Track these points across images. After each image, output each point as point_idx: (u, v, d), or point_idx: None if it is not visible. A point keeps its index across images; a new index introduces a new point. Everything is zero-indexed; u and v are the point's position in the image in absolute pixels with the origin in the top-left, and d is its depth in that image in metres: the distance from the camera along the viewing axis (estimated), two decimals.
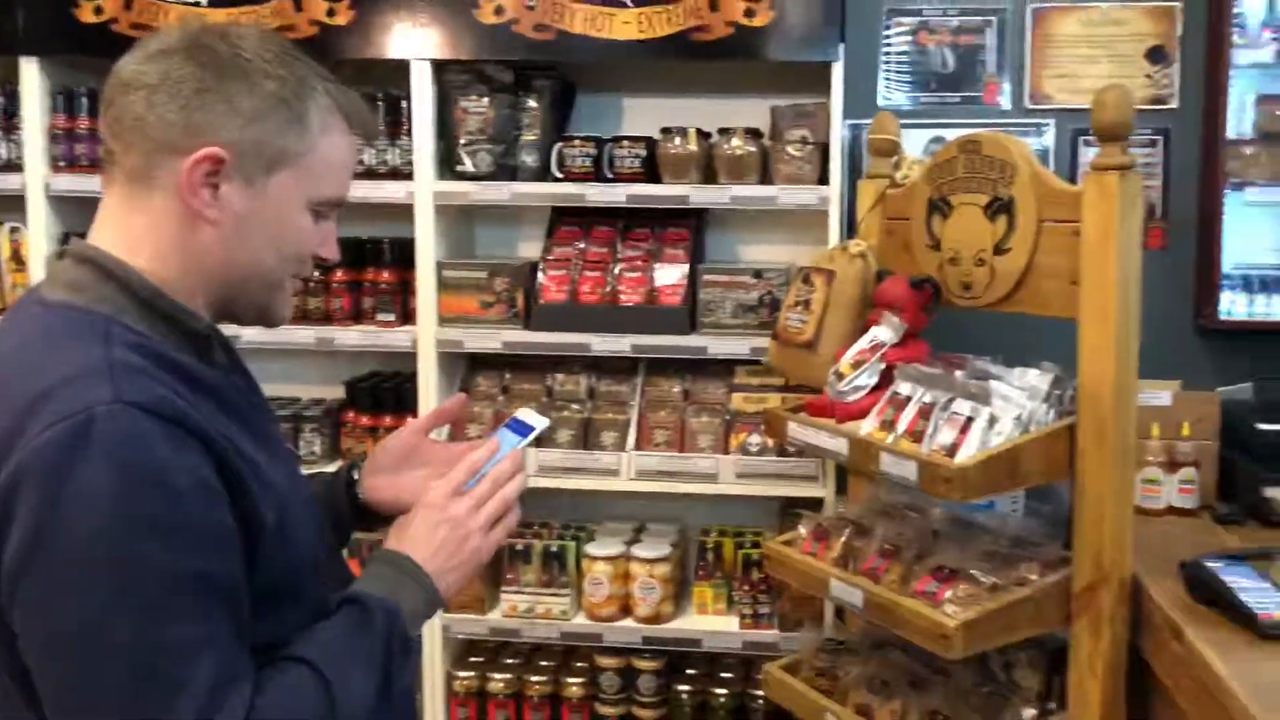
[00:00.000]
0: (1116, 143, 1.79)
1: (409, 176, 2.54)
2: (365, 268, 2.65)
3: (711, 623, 2.57)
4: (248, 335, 2.51)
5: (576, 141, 2.54)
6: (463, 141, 2.54)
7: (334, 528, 1.36)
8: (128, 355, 1.01)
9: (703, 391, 2.63)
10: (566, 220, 2.72)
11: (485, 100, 2.53)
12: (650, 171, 2.54)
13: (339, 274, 2.62)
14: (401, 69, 2.52)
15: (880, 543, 1.98)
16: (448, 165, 2.58)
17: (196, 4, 2.54)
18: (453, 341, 2.58)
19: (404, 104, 2.54)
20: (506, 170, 2.58)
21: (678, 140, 2.51)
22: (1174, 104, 2.66)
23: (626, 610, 2.58)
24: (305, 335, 2.60)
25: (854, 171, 2.63)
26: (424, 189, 2.54)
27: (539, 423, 1.34)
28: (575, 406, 2.64)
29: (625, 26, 2.45)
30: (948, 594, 1.82)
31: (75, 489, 0.93)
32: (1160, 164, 2.68)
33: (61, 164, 2.63)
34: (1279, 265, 2.60)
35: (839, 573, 1.97)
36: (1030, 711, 1.87)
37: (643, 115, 2.75)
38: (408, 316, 2.62)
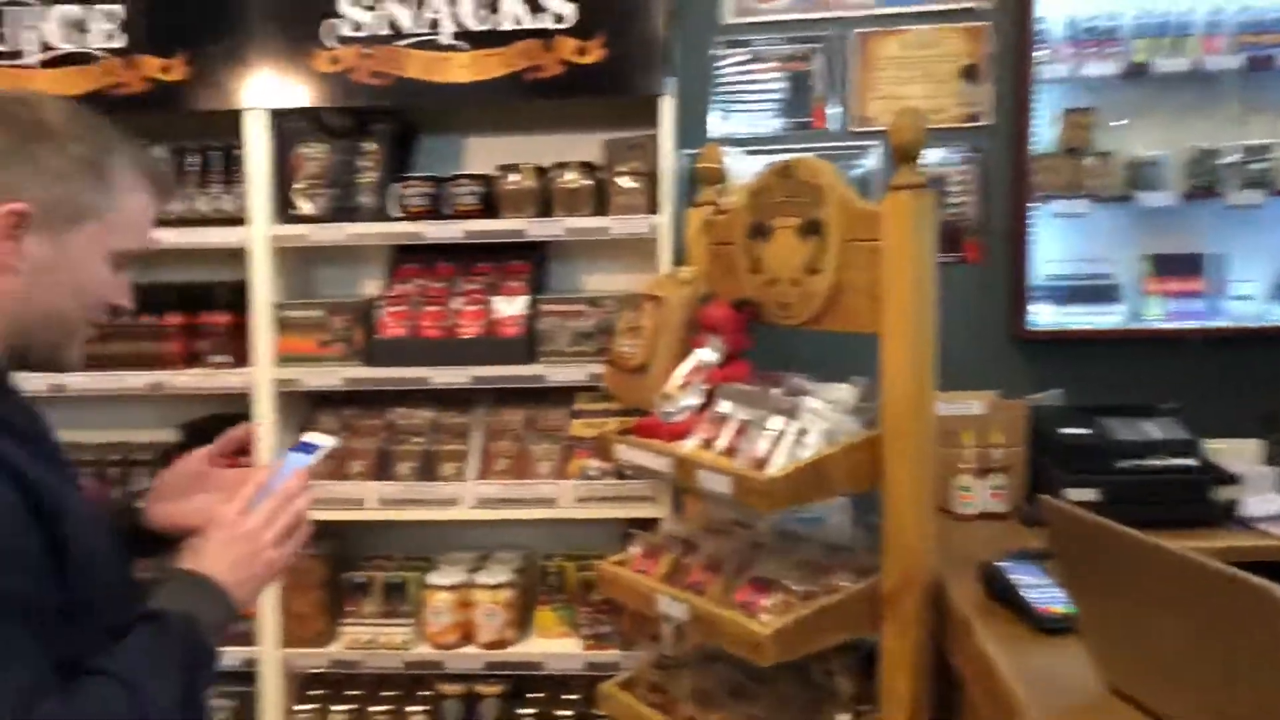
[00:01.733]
0: (910, 163, 1.89)
1: (244, 222, 2.54)
2: (199, 311, 2.63)
3: (555, 645, 2.60)
4: (76, 383, 2.47)
5: (413, 181, 2.57)
6: (300, 186, 2.56)
7: None
8: None
9: (544, 419, 2.67)
10: (408, 259, 2.74)
11: (323, 146, 2.56)
12: (490, 208, 2.59)
13: (171, 318, 2.59)
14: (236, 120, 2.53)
15: (705, 558, 2.04)
16: (285, 209, 2.58)
17: (25, 65, 2.56)
18: (291, 380, 2.57)
19: (235, 153, 2.55)
20: (344, 212, 2.59)
21: (514, 176, 2.56)
22: (987, 121, 2.80)
23: (468, 638, 2.61)
24: (136, 380, 2.56)
25: (689, 200, 2.71)
26: (259, 233, 2.54)
27: (325, 441, 1.40)
28: (417, 439, 2.65)
29: (461, 70, 2.51)
30: (764, 603, 1.88)
31: None
32: (976, 180, 2.82)
33: None
34: (1082, 275, 2.76)
35: (665, 588, 2.02)
36: (844, 715, 1.94)
37: (484, 153, 2.81)
38: (244, 358, 2.60)
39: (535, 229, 2.53)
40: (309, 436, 1.42)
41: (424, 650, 2.60)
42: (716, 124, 2.86)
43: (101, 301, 1.25)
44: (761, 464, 1.88)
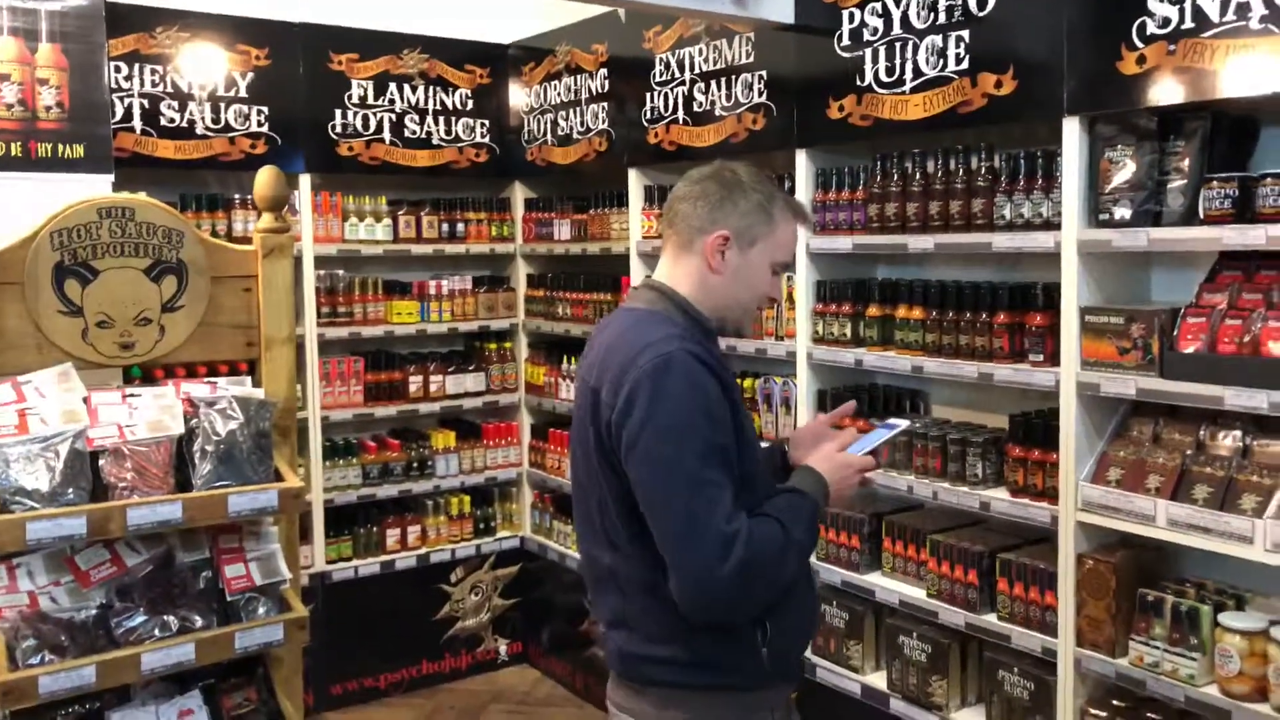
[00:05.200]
0: None
1: (1059, 227, 2.65)
2: (1025, 311, 2.82)
3: None
4: (929, 367, 2.95)
5: (1215, 183, 2.33)
6: (1107, 191, 2.54)
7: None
8: (681, 332, 1.85)
9: None
10: (1230, 265, 2.47)
11: (1130, 149, 2.49)
12: None
13: (1001, 316, 2.84)
14: (1058, 127, 2.64)
15: None
16: (1098, 214, 2.60)
17: (870, 90, 3.10)
18: (1091, 385, 2.58)
19: (1057, 159, 2.65)
20: (1150, 216, 2.49)
21: None
22: None
23: (1263, 694, 2.31)
24: (969, 370, 2.90)
25: None
26: (1069, 237, 2.61)
27: (902, 423, 2.13)
28: (1221, 463, 2.41)
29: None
30: None
31: (666, 391, 1.75)
32: None
33: (815, 228, 3.39)
34: None
35: None
36: None
37: None
38: (1055, 358, 2.71)
39: None
40: (894, 419, 2.12)
41: (1210, 692, 2.40)
42: None
43: (764, 295, 1.98)
44: None
